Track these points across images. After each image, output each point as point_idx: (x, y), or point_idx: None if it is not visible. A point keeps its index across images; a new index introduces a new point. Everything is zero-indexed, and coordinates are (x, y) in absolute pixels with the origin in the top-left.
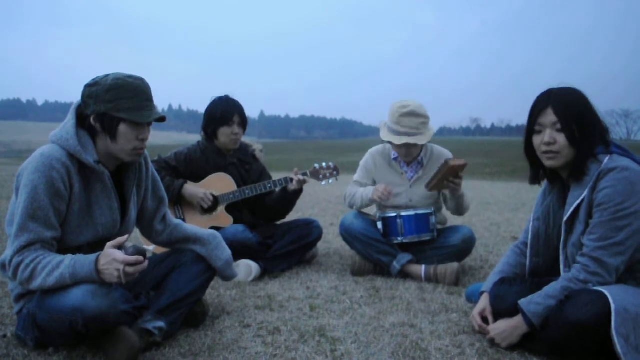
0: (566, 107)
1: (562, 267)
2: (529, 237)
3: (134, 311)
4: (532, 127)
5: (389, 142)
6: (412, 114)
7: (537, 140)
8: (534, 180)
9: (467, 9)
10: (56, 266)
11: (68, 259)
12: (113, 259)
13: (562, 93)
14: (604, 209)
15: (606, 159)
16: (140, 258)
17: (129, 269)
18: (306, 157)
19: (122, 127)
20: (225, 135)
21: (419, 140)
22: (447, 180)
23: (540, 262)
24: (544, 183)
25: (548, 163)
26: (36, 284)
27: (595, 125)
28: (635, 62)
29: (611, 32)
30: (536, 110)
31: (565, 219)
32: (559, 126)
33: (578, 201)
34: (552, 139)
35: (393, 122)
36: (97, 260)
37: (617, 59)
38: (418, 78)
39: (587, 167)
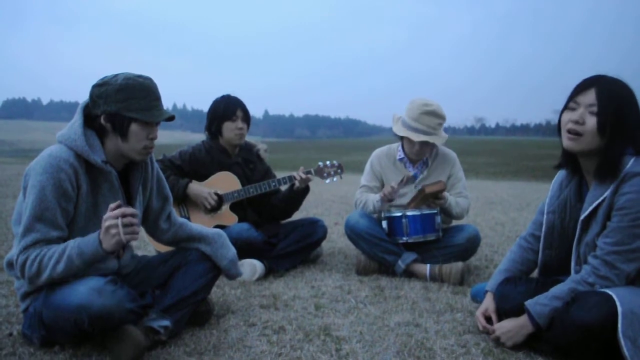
0: (610, 94)
1: (572, 264)
2: (543, 230)
3: (139, 309)
4: (567, 103)
5: (402, 139)
6: (433, 113)
7: (566, 116)
8: (561, 166)
9: (468, 1)
10: (62, 252)
11: (71, 242)
12: (106, 217)
13: (612, 81)
14: (624, 214)
15: (631, 161)
16: (134, 209)
17: (126, 220)
18: (310, 156)
19: (134, 127)
20: (229, 130)
21: (437, 140)
22: (427, 201)
23: (552, 254)
24: (559, 175)
25: (567, 144)
26: (45, 275)
27: (633, 126)
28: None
29: (608, 27)
30: (579, 88)
31: (582, 217)
32: (594, 109)
33: (598, 201)
34: (581, 118)
35: (412, 118)
36: (99, 234)
37: (612, 55)
38: (420, 73)
39: (619, 167)
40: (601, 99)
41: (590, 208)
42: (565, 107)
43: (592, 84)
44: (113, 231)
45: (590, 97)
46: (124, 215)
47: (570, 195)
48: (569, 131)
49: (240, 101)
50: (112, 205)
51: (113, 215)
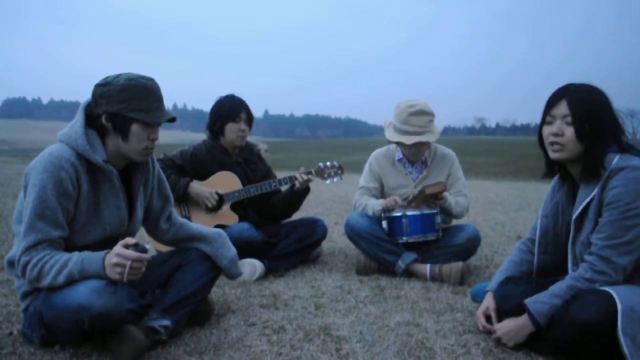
0: (580, 101)
1: (569, 265)
2: (537, 233)
3: (139, 309)
4: (544, 117)
5: (397, 143)
6: (420, 112)
7: (546, 130)
8: (548, 174)
9: (468, 1)
10: (64, 264)
11: (75, 256)
12: (118, 253)
13: (580, 89)
14: (613, 208)
15: (616, 158)
16: (146, 255)
17: (136, 264)
18: (310, 156)
19: (134, 127)
20: (232, 131)
21: (429, 137)
22: (427, 202)
23: (548, 259)
24: (554, 180)
25: (553, 155)
26: (45, 282)
27: (610, 125)
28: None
29: (608, 27)
30: (551, 102)
31: (574, 217)
32: (569, 119)
33: (588, 199)
34: (559, 130)
35: (401, 121)
36: (104, 258)
37: (612, 55)
38: (420, 73)
39: (602, 167)
40: (573, 108)
41: (581, 207)
42: (543, 122)
43: (562, 95)
44: (118, 270)
45: (562, 108)
46: (134, 260)
47: (562, 199)
48: (552, 144)
49: (244, 103)
50: (129, 241)
51: (124, 256)
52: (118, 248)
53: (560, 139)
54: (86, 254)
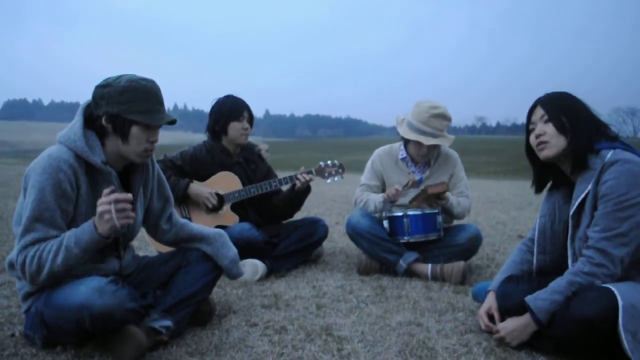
0: (552, 100)
1: (569, 261)
2: (536, 233)
3: (140, 310)
4: (527, 128)
5: (407, 142)
6: (442, 116)
7: (531, 138)
8: (539, 188)
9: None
10: (60, 244)
11: (67, 232)
12: (99, 202)
13: (552, 93)
14: (607, 200)
15: (609, 153)
16: (125, 194)
17: (119, 206)
18: (311, 156)
19: (134, 129)
20: (235, 130)
21: (445, 142)
22: (429, 201)
23: (546, 259)
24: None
25: (542, 154)
26: (46, 270)
27: (587, 118)
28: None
29: (608, 24)
30: (528, 113)
31: (571, 213)
32: (546, 117)
33: (583, 195)
34: (541, 130)
35: (420, 121)
36: (94, 220)
37: (612, 52)
38: (420, 72)
39: (588, 158)
40: (547, 107)
41: (577, 202)
42: (527, 133)
43: (536, 103)
44: (106, 217)
45: (538, 112)
46: (117, 201)
47: (558, 198)
48: (538, 145)
49: (245, 102)
50: (105, 191)
51: (106, 201)
52: (102, 199)
53: (544, 137)
54: (76, 228)
